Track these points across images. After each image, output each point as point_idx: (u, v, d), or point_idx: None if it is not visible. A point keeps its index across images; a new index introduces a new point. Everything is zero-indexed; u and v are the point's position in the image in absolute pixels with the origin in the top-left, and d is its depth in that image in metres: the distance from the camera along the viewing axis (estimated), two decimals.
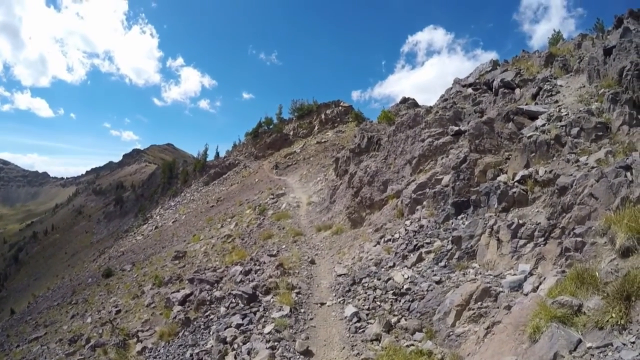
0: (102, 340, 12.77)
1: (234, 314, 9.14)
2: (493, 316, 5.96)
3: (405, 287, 8.24)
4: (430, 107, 17.15)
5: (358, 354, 6.80)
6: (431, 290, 7.70)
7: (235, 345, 7.62)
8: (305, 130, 51.45)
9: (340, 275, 10.57)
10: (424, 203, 11.78)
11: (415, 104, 26.77)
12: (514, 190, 8.44)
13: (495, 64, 18.83)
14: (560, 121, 9.24)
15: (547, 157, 8.68)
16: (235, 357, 7.15)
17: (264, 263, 12.71)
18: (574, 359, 3.98)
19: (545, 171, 8.11)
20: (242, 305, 9.50)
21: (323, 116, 51.13)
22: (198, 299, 10.92)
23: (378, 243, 11.59)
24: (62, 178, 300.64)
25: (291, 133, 53.11)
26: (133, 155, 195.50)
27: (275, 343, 7.28)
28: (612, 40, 10.28)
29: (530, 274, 6.57)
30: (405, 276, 8.65)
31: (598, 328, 4.12)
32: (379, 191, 14.77)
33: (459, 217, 9.88)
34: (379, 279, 9.13)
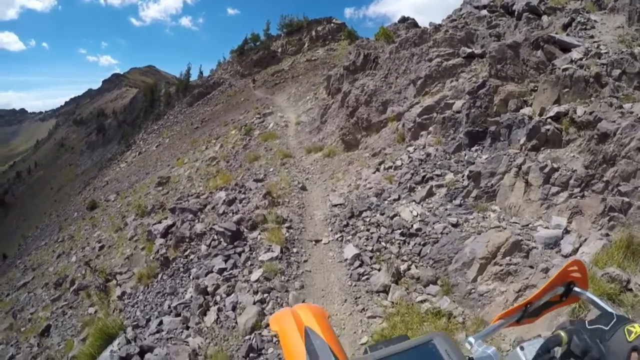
0: (84, 282, 12.08)
1: (216, 254, 7.97)
2: (526, 278, 4.89)
3: (415, 226, 7.01)
4: (439, 25, 15.28)
5: (363, 309, 5.67)
6: (447, 233, 6.50)
7: (218, 298, 6.50)
8: (295, 48, 48.36)
9: (335, 206, 9.31)
10: (430, 129, 10.42)
11: (415, 24, 24.79)
12: (548, 127, 7.13)
13: None
14: (600, 58, 7.83)
15: (584, 96, 7.37)
16: (217, 314, 6.05)
17: (250, 190, 11.47)
18: None
19: (585, 111, 6.81)
20: (225, 244, 8.30)
21: (314, 33, 47.79)
22: (177, 236, 9.79)
23: (377, 170, 10.31)
24: (41, 112, 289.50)
25: (279, 50, 50.00)
26: (113, 81, 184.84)
27: (265, 295, 6.19)
28: None
29: (567, 230, 5.50)
30: (414, 213, 7.42)
31: None
32: (378, 112, 13.32)
33: (473, 149, 8.65)
34: (382, 214, 7.91)
